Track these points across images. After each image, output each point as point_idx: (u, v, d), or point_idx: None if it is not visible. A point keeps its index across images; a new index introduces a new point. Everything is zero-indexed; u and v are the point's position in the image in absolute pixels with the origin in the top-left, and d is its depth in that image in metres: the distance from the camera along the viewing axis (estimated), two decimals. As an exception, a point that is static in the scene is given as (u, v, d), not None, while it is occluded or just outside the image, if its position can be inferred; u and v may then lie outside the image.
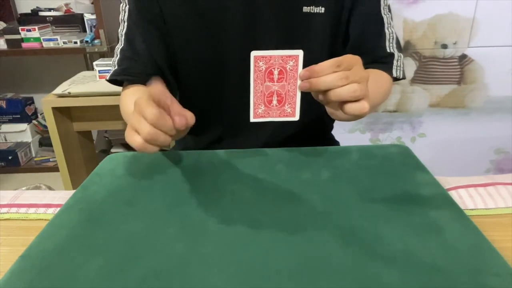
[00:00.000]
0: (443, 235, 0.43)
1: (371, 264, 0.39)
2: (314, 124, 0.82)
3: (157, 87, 0.46)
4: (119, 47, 0.73)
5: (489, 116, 1.62)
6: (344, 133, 1.66)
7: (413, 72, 1.57)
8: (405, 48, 1.53)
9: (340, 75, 0.47)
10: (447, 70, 1.55)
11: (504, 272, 0.38)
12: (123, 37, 0.73)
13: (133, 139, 0.46)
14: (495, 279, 0.37)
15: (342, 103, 0.49)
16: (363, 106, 0.49)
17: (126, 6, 0.72)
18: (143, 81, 0.72)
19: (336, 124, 0.90)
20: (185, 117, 0.46)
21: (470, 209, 0.53)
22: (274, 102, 0.51)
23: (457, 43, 1.51)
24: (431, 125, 1.65)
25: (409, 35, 1.51)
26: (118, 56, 0.73)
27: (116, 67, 0.72)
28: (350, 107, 0.49)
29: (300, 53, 0.48)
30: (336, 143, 0.91)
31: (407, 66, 1.55)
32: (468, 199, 0.55)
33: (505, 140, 1.65)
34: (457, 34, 1.49)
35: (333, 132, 0.92)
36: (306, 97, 0.65)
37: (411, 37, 1.51)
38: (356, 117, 0.52)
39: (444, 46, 1.52)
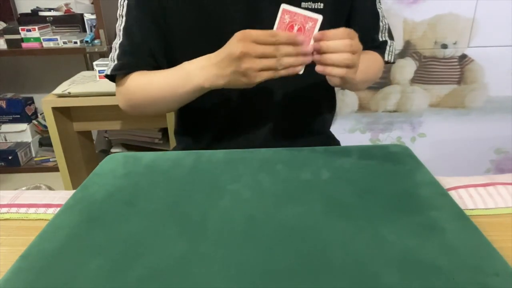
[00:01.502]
0: (443, 235, 0.43)
1: (371, 264, 0.39)
2: (313, 119, 0.83)
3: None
4: (117, 42, 0.73)
5: (489, 116, 1.61)
6: (344, 133, 1.66)
7: (413, 72, 1.56)
8: (405, 48, 1.53)
9: (346, 43, 0.55)
10: (447, 70, 1.55)
11: (504, 272, 0.38)
12: (121, 32, 0.73)
13: (284, 61, 0.55)
14: (495, 279, 0.37)
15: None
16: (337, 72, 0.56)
17: (124, 1, 0.72)
18: None
19: (336, 124, 0.90)
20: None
21: (470, 209, 0.53)
22: None
23: (457, 43, 1.51)
24: (431, 125, 1.64)
25: (409, 35, 1.50)
26: (117, 51, 0.72)
27: (116, 62, 0.72)
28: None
29: (319, 17, 0.55)
30: (336, 142, 0.91)
31: (407, 66, 1.55)
32: (468, 199, 0.55)
33: (505, 140, 1.65)
34: (457, 34, 1.49)
35: (333, 132, 0.92)
36: (306, 95, 0.65)
37: (411, 37, 1.51)
38: (346, 73, 0.56)
39: (444, 46, 1.52)
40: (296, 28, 0.55)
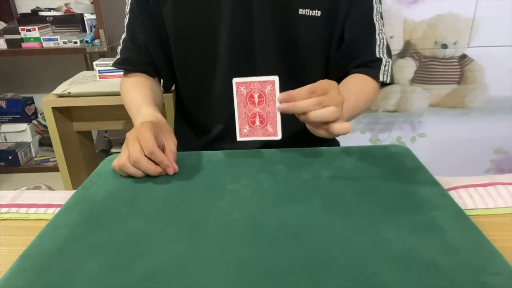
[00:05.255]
0: (443, 234, 0.43)
1: (371, 264, 0.39)
2: None
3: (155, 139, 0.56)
4: (122, 37, 0.80)
5: (489, 116, 1.61)
6: (344, 133, 1.66)
7: (413, 72, 1.57)
8: (405, 48, 1.53)
9: (314, 101, 0.52)
10: (447, 70, 1.55)
11: (504, 271, 0.38)
12: (125, 28, 0.79)
13: (120, 156, 0.56)
14: (495, 279, 0.37)
15: (326, 123, 0.54)
16: (346, 127, 0.54)
17: None
18: (141, 70, 0.81)
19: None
20: (170, 168, 0.56)
21: (470, 209, 0.53)
22: (257, 122, 0.56)
23: (457, 43, 1.51)
24: (431, 125, 1.65)
25: (409, 35, 1.51)
26: (121, 46, 0.81)
27: (119, 56, 0.80)
28: (337, 128, 0.54)
29: (276, 78, 0.54)
30: (336, 143, 0.91)
31: (407, 66, 1.55)
32: (468, 199, 0.55)
33: (505, 140, 1.65)
34: (457, 34, 1.49)
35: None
36: None
37: (411, 37, 1.51)
38: (337, 135, 0.57)
39: (444, 46, 1.52)
40: (256, 96, 0.54)
